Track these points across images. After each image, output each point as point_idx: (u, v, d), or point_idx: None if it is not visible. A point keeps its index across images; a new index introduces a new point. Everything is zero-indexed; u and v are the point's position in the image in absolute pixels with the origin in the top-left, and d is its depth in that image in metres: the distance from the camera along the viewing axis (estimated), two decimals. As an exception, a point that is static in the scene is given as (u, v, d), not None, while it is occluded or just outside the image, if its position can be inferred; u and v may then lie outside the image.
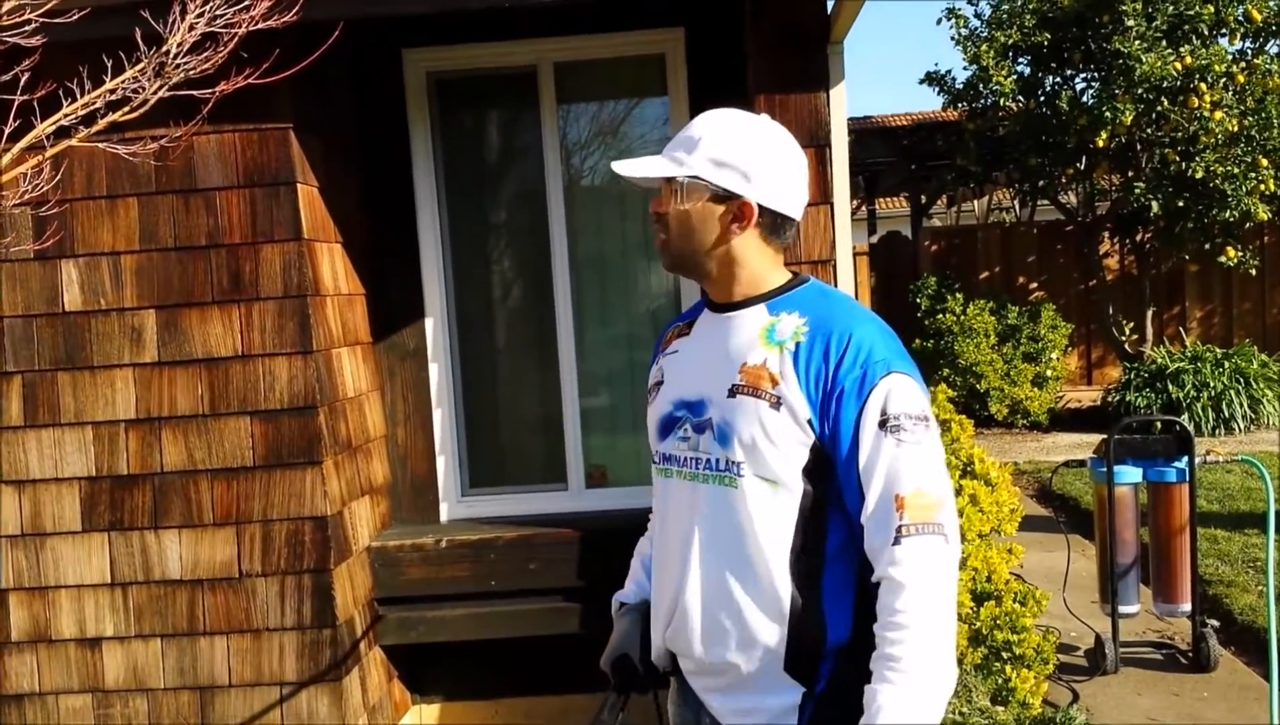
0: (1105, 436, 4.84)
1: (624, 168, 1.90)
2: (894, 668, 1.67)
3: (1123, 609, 4.79)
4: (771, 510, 1.79)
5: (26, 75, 2.34)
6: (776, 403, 1.78)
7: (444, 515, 4.62)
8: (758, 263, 1.89)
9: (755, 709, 1.82)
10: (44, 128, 2.30)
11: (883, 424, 1.75)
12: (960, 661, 3.76)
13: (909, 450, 1.75)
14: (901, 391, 1.77)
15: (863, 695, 1.73)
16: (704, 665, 1.86)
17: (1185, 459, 4.75)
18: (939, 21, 10.92)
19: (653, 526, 2.09)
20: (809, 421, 1.78)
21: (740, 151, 1.86)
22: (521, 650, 4.42)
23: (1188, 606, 4.78)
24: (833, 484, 1.80)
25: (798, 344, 1.81)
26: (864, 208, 16.28)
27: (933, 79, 11.31)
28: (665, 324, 2.12)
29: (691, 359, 1.94)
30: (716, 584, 1.82)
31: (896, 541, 1.71)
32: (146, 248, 3.81)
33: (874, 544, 1.75)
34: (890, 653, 1.68)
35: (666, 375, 1.97)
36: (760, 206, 1.86)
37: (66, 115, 2.32)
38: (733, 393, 1.82)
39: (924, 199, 14.00)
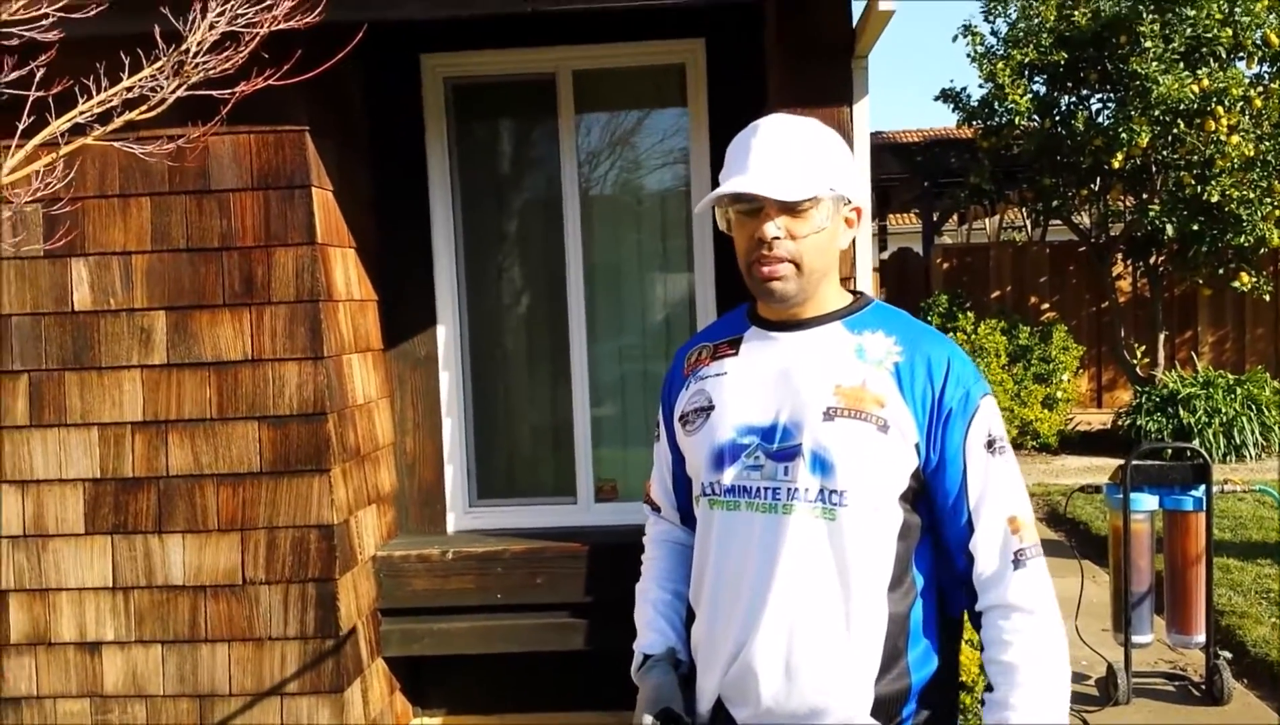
0: (1120, 462, 4.78)
1: (765, 186, 1.67)
2: (1035, 695, 1.62)
3: (1136, 639, 4.72)
4: (871, 540, 1.68)
5: (42, 71, 2.30)
6: (884, 426, 1.67)
7: (451, 526, 4.57)
8: (836, 273, 1.80)
9: None
10: (59, 124, 2.25)
11: (989, 446, 1.70)
12: (972, 689, 3.70)
13: (1013, 471, 1.72)
14: (997, 413, 1.74)
15: None
16: (774, 713, 1.71)
17: (1203, 488, 4.69)
18: (955, 39, 10.89)
19: (657, 568, 1.98)
20: (916, 445, 1.69)
21: (843, 152, 1.76)
22: (526, 665, 4.36)
23: (1202, 638, 4.70)
24: (929, 510, 1.73)
25: (896, 365, 1.71)
26: (875, 224, 16.25)
27: (948, 96, 11.28)
28: (685, 338, 1.99)
29: (753, 381, 1.77)
30: (802, 623, 1.67)
31: (1019, 564, 1.66)
32: (158, 248, 3.77)
33: (987, 569, 1.68)
34: (1025, 680, 1.63)
35: (718, 399, 1.79)
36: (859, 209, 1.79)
37: (82, 112, 2.27)
38: (830, 416, 1.68)
39: (936, 216, 13.95)
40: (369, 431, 4.20)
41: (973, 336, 10.90)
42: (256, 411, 3.76)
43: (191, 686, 3.80)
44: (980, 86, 10.87)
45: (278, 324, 3.75)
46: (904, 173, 13.04)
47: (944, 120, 18.76)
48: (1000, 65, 10.37)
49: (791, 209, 1.68)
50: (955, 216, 17.13)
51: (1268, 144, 9.81)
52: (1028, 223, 15.45)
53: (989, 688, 1.67)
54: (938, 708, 1.75)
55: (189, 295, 3.76)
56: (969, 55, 10.78)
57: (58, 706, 3.83)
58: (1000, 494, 1.69)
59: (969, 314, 11.20)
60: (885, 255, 14.90)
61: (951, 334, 10.93)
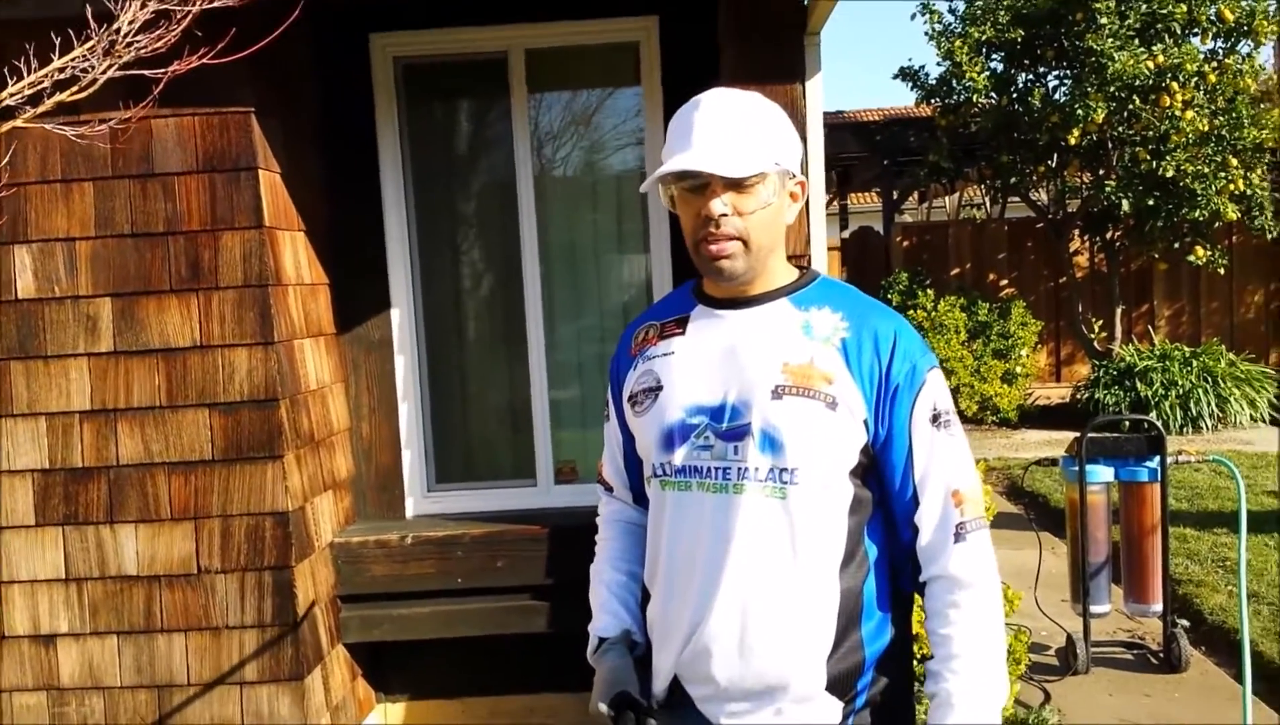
0: (1077, 435, 4.82)
1: (711, 163, 1.63)
2: (970, 664, 1.65)
3: (1094, 609, 4.78)
4: (823, 517, 1.68)
5: (-30, 52, 2.24)
6: (833, 403, 1.67)
7: (409, 511, 4.53)
8: (782, 249, 1.78)
9: None
10: (-12, 107, 2.20)
11: (934, 420, 1.71)
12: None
13: (958, 445, 1.73)
14: (944, 386, 1.75)
15: (899, 704, 1.73)
16: (730, 691, 1.71)
17: (1157, 459, 4.74)
18: (913, 17, 10.92)
19: (611, 549, 1.98)
20: (865, 421, 1.69)
21: (785, 126, 1.73)
22: (488, 648, 4.34)
23: (1159, 607, 4.76)
24: (879, 485, 1.74)
25: (843, 340, 1.70)
26: (836, 203, 16.27)
27: (906, 74, 11.31)
28: (631, 320, 1.97)
29: (700, 360, 1.75)
30: (755, 601, 1.67)
31: (959, 538, 1.68)
32: (102, 234, 3.69)
33: (932, 541, 1.69)
34: (960, 650, 1.65)
35: (666, 379, 1.77)
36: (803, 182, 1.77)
37: (11, 95, 2.22)
38: (778, 394, 1.67)
39: (896, 195, 14.00)
40: (323, 417, 4.16)
41: (933, 313, 10.96)
42: (207, 398, 3.70)
43: (149, 677, 3.75)
44: (938, 64, 10.89)
45: (226, 309, 3.69)
46: (864, 152, 13.05)
47: (903, 99, 18.85)
48: (958, 43, 10.41)
49: (738, 185, 1.66)
50: (915, 195, 17.21)
51: (1221, 119, 9.92)
52: (986, 200, 15.53)
53: (930, 657, 1.69)
54: (893, 677, 1.76)
55: (135, 281, 3.69)
56: (927, 33, 10.82)
57: (14, 700, 3.77)
58: (944, 468, 1.70)
59: (929, 291, 11.27)
60: (846, 234, 14.92)
61: (911, 311, 11.00)
